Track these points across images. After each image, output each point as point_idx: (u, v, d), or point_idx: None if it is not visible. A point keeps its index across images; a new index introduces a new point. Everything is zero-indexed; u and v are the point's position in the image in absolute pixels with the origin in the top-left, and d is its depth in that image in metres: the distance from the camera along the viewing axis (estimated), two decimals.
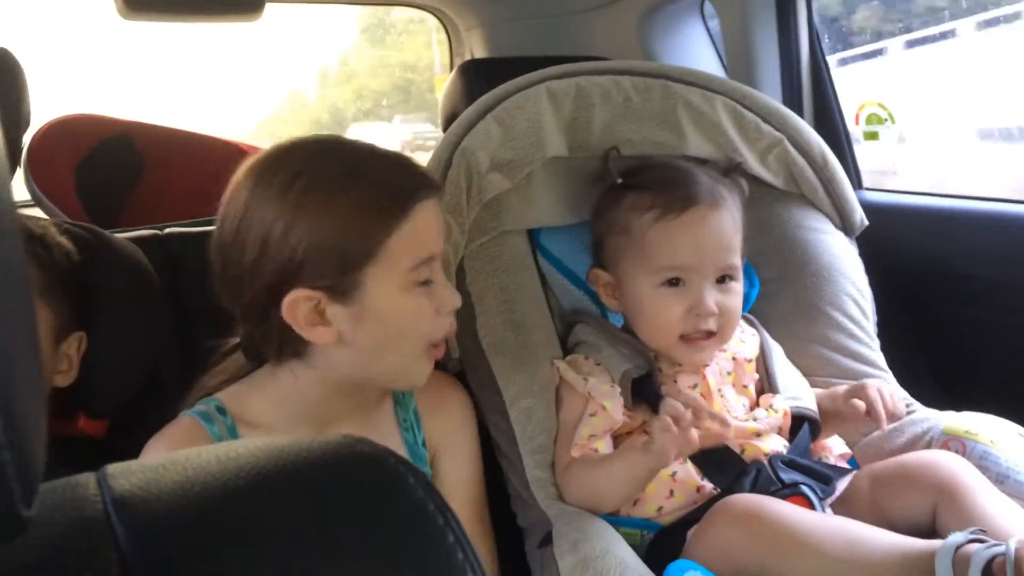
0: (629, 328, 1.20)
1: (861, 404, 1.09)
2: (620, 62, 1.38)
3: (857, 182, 1.75)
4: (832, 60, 1.81)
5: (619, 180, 1.19)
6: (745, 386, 1.19)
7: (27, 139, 1.79)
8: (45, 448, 0.34)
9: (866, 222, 1.39)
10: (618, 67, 1.34)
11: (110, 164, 1.97)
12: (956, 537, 0.85)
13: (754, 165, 1.33)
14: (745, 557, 0.93)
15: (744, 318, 1.23)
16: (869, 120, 1.74)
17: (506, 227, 1.25)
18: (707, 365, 1.16)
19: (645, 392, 1.11)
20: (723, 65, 1.95)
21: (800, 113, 1.71)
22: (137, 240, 1.28)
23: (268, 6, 1.83)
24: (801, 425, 1.14)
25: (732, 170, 1.22)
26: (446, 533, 0.37)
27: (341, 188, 0.93)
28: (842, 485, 1.10)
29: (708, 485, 1.07)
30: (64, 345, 1.08)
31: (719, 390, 1.15)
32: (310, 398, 1.01)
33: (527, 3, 2.19)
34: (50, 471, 0.36)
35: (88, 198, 1.89)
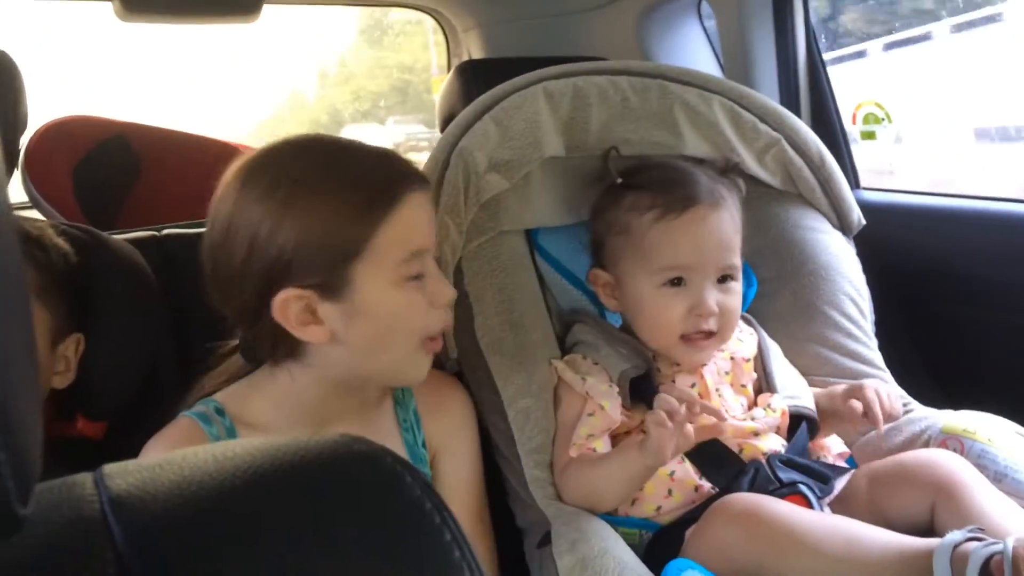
0: (627, 328, 1.20)
1: (858, 405, 1.09)
2: (617, 62, 1.38)
3: (854, 181, 1.75)
4: None
5: (619, 180, 1.19)
6: (743, 385, 1.19)
7: (24, 141, 1.79)
8: (42, 448, 0.34)
9: (863, 221, 1.39)
10: (615, 67, 1.34)
11: (107, 165, 1.97)
12: (954, 535, 0.85)
13: (751, 165, 1.33)
14: (743, 556, 0.93)
15: (742, 317, 1.23)
16: (866, 120, 1.75)
17: (504, 227, 1.25)
18: (705, 365, 1.16)
19: (643, 392, 1.11)
20: (720, 65, 1.95)
21: (797, 113, 1.71)
22: (134, 241, 1.28)
23: (265, 7, 1.84)
24: (799, 424, 1.15)
25: (729, 170, 1.22)
26: (443, 531, 0.37)
27: (325, 186, 0.93)
28: (840, 484, 1.11)
29: (706, 484, 1.07)
30: (62, 347, 1.08)
31: (717, 389, 1.15)
32: (308, 398, 1.01)
33: (524, 4, 2.19)
34: (48, 472, 0.36)
35: (85, 200, 1.89)
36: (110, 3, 1.75)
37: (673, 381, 1.14)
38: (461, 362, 1.21)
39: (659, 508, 1.07)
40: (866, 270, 1.36)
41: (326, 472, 0.38)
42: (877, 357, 1.30)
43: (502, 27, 2.27)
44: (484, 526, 1.12)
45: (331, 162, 0.96)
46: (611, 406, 1.09)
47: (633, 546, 1.02)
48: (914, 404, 1.24)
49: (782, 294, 1.33)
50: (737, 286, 1.15)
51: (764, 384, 1.19)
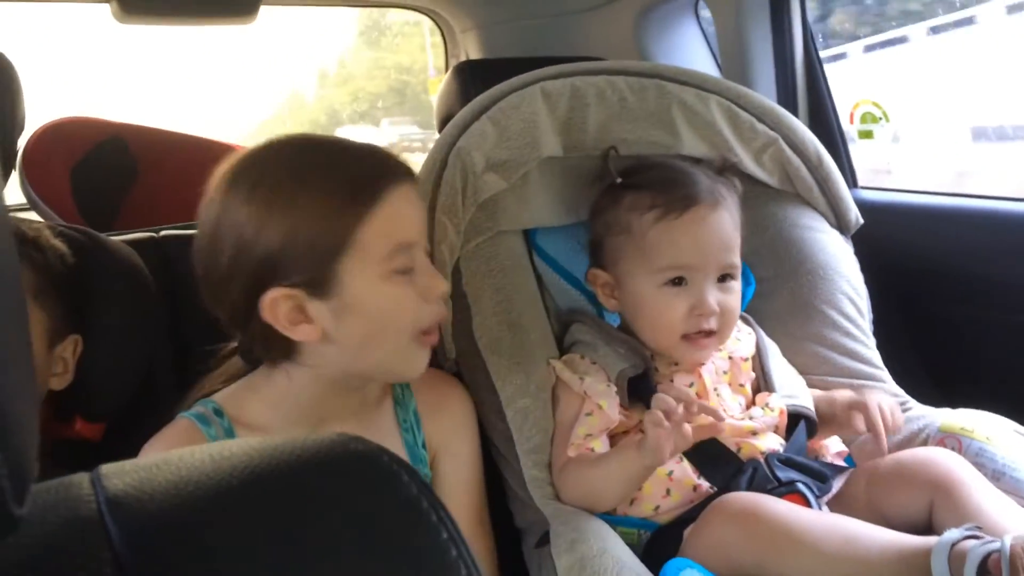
0: (625, 328, 1.20)
1: (861, 424, 1.09)
2: (615, 62, 1.38)
3: (852, 181, 1.75)
4: None
5: (619, 180, 1.19)
6: (741, 385, 1.19)
7: (22, 142, 1.79)
8: (38, 449, 0.34)
9: (861, 220, 1.39)
10: (613, 67, 1.34)
11: (105, 167, 1.97)
12: (952, 534, 0.85)
13: (749, 164, 1.33)
14: (742, 555, 0.93)
15: (740, 317, 1.23)
16: (864, 119, 1.75)
17: (502, 227, 1.25)
18: (703, 364, 1.16)
19: (641, 391, 1.11)
20: (718, 65, 1.95)
21: (795, 112, 1.71)
22: (132, 242, 1.28)
23: (263, 9, 1.84)
24: (797, 423, 1.15)
25: (726, 169, 1.22)
26: (440, 530, 0.37)
27: (306, 183, 0.93)
28: (838, 483, 1.11)
29: (704, 484, 1.07)
30: (59, 348, 1.08)
31: (715, 389, 1.15)
32: (305, 398, 1.01)
33: (522, 4, 2.19)
34: (46, 474, 0.36)
35: (83, 201, 1.89)
36: (108, 5, 1.75)
37: (671, 380, 1.14)
38: (459, 362, 1.21)
39: (657, 507, 1.07)
40: (864, 269, 1.36)
41: (323, 471, 0.38)
42: (875, 356, 1.30)
43: (500, 28, 2.27)
44: (484, 527, 1.12)
45: (313, 160, 0.96)
46: (609, 405, 1.09)
47: (632, 546, 1.02)
48: (912, 403, 1.24)
49: (780, 293, 1.33)
50: (737, 285, 1.15)
51: (762, 383, 1.19)
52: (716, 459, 1.08)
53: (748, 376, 1.20)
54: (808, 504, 1.02)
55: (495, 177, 1.23)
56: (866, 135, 1.76)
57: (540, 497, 1.09)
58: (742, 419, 1.12)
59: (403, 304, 0.96)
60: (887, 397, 1.14)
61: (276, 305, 0.92)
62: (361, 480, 0.38)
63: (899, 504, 1.03)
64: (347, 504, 0.37)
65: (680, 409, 0.96)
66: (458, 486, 1.10)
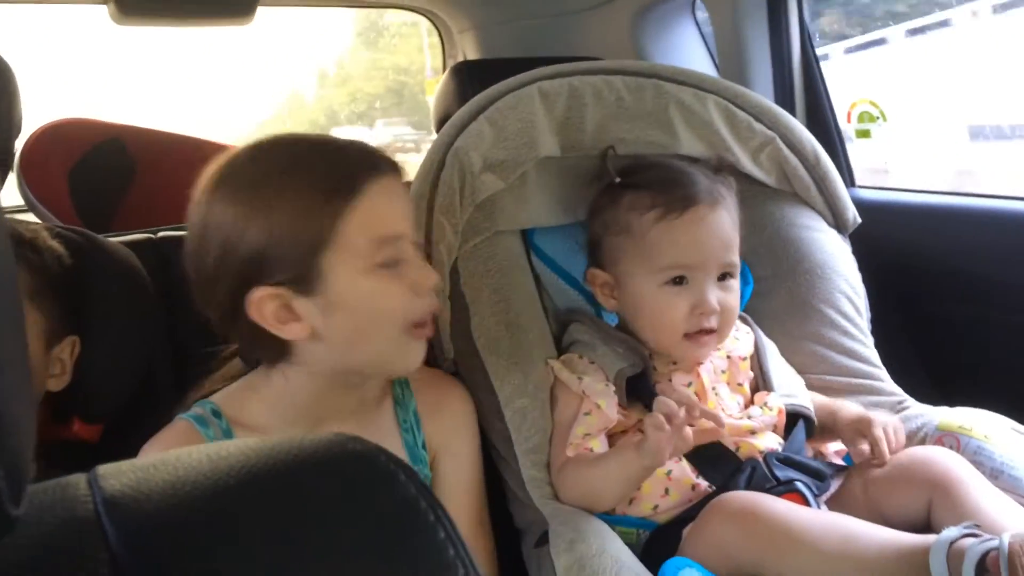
0: (623, 327, 1.20)
1: (865, 446, 1.08)
2: (612, 62, 1.38)
3: (849, 180, 1.75)
4: None
5: (617, 180, 1.19)
6: (740, 384, 1.19)
7: (20, 144, 1.79)
8: (35, 450, 0.34)
9: (859, 219, 1.39)
10: (610, 67, 1.34)
11: (103, 168, 1.97)
12: (950, 532, 0.85)
13: (746, 164, 1.33)
14: (741, 554, 0.93)
15: (739, 316, 1.23)
16: (861, 118, 1.75)
17: (500, 227, 1.25)
18: (702, 363, 1.16)
19: (640, 390, 1.11)
20: (715, 64, 1.95)
21: (792, 111, 1.71)
22: (130, 244, 1.27)
23: (260, 10, 1.84)
24: (796, 423, 1.15)
25: (722, 168, 1.22)
26: (437, 530, 0.37)
27: (286, 181, 0.93)
28: (837, 482, 1.11)
29: (703, 483, 1.07)
30: (56, 349, 1.08)
31: (713, 388, 1.15)
32: (303, 398, 1.01)
33: (519, 4, 2.19)
34: (44, 475, 0.36)
35: (81, 203, 1.89)
36: (105, 6, 1.75)
37: (669, 380, 1.14)
38: (458, 363, 1.21)
39: (656, 507, 1.07)
40: (862, 268, 1.37)
41: (320, 471, 0.38)
42: (873, 355, 1.30)
43: (497, 28, 2.27)
44: (484, 527, 1.12)
45: (291, 158, 0.97)
46: (608, 405, 1.09)
47: (630, 545, 1.02)
48: (910, 401, 1.24)
49: (778, 293, 1.33)
50: (736, 283, 1.16)
51: (761, 383, 1.19)
52: (715, 458, 1.08)
53: (746, 375, 1.20)
54: (807, 503, 1.02)
55: (493, 177, 1.23)
56: (863, 134, 1.76)
57: (539, 497, 1.09)
58: (740, 418, 1.12)
59: (391, 297, 0.96)
60: (891, 417, 1.13)
61: (263, 304, 0.93)
62: (359, 480, 0.38)
63: (897, 503, 1.03)
64: (345, 504, 0.37)
65: (682, 412, 0.96)
66: (458, 486, 1.10)
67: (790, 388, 1.18)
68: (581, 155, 1.29)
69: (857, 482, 1.09)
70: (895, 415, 1.18)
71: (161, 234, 1.39)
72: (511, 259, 1.25)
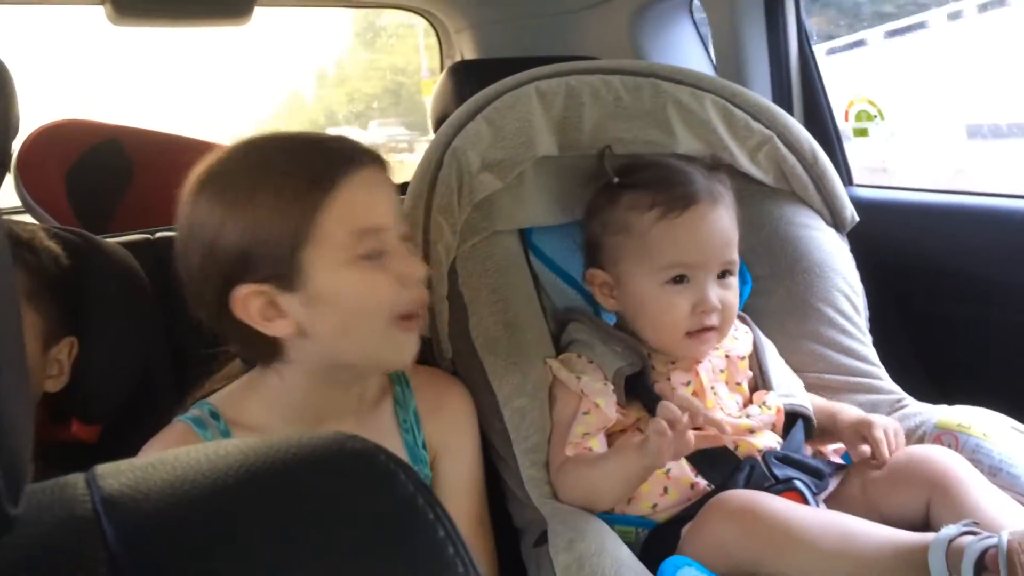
0: (622, 326, 1.20)
1: (866, 449, 1.08)
2: (609, 61, 1.38)
3: (847, 178, 1.76)
4: None
5: (616, 179, 1.19)
6: (738, 383, 1.19)
7: (17, 145, 1.79)
8: (33, 451, 0.34)
9: (857, 218, 1.39)
10: (608, 66, 1.34)
11: (100, 169, 1.96)
12: (949, 530, 0.86)
13: (744, 163, 1.33)
14: (740, 553, 0.93)
15: (737, 316, 1.23)
16: (858, 117, 1.75)
17: (498, 227, 1.25)
18: (700, 362, 1.16)
19: (638, 389, 1.11)
20: (712, 63, 1.95)
21: (790, 110, 1.71)
22: (128, 244, 1.27)
23: (258, 10, 1.84)
24: (795, 422, 1.15)
25: (716, 166, 1.22)
26: (436, 528, 0.37)
27: (263, 179, 0.94)
28: (836, 481, 1.11)
29: (702, 482, 1.07)
30: (54, 350, 1.08)
31: (712, 387, 1.15)
32: (299, 397, 1.01)
33: (517, 4, 2.19)
34: (42, 476, 0.36)
35: (79, 204, 1.89)
36: (102, 7, 1.75)
37: (668, 379, 1.14)
38: (456, 363, 1.21)
39: (655, 506, 1.07)
40: (860, 266, 1.37)
41: (319, 470, 0.38)
42: (871, 353, 1.30)
43: (494, 28, 2.27)
44: (484, 527, 1.11)
45: (269, 155, 0.97)
46: (606, 404, 1.09)
47: (629, 544, 1.02)
48: (908, 400, 1.24)
49: (776, 292, 1.33)
50: (735, 281, 1.16)
51: (760, 382, 1.19)
52: (714, 457, 1.08)
53: (745, 375, 1.20)
54: (805, 501, 1.02)
55: (491, 177, 1.23)
56: (861, 133, 1.76)
57: (538, 496, 1.09)
58: (739, 417, 1.12)
59: (374, 290, 0.95)
60: (891, 420, 1.13)
61: (247, 302, 0.93)
62: (358, 479, 0.38)
63: (896, 501, 1.03)
64: (344, 503, 0.37)
65: (685, 418, 0.96)
66: (458, 486, 1.10)
67: (789, 387, 1.18)
68: (579, 155, 1.29)
69: (856, 481, 1.09)
70: (894, 417, 1.18)
71: (159, 235, 1.39)
72: (509, 259, 1.25)
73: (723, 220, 1.14)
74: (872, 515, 0.97)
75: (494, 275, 1.22)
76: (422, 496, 0.37)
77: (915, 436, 1.16)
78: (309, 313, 0.94)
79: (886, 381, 1.28)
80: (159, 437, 0.99)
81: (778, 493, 1.01)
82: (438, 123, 1.91)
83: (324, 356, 0.98)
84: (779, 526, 0.92)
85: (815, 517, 0.95)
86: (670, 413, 0.96)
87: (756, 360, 1.21)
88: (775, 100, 1.70)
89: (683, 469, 1.08)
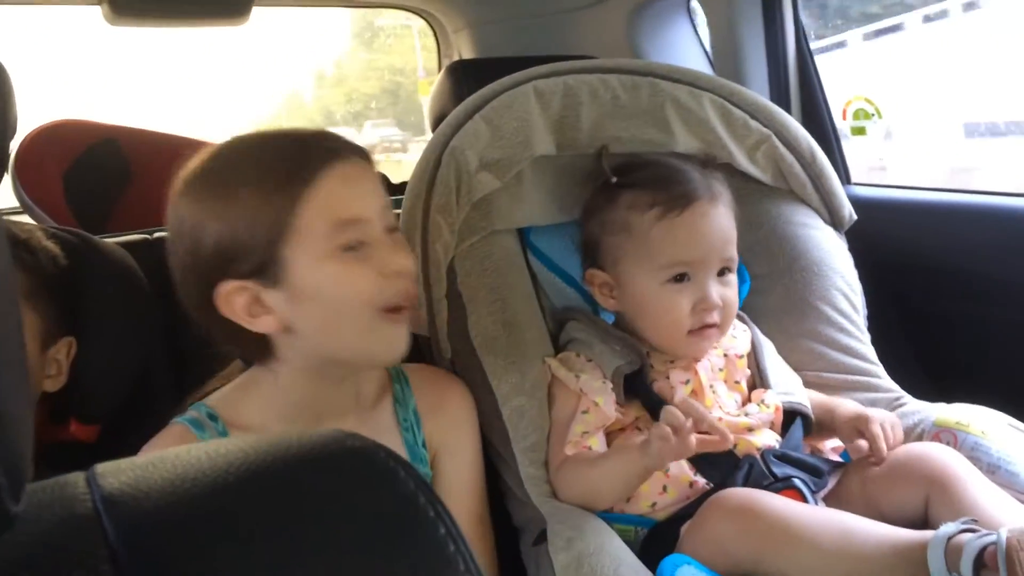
0: (620, 325, 1.20)
1: (863, 445, 1.08)
2: (607, 60, 1.38)
3: (845, 177, 1.76)
4: None
5: (614, 179, 1.19)
6: (737, 382, 1.19)
7: (14, 146, 1.78)
8: (33, 448, 0.34)
9: (855, 216, 1.39)
10: (605, 65, 1.34)
11: (98, 169, 1.96)
12: (948, 528, 0.86)
13: (742, 161, 1.33)
14: (739, 551, 0.93)
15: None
16: (856, 115, 1.75)
17: (496, 226, 1.25)
18: (699, 360, 1.16)
19: (637, 388, 1.11)
20: (710, 62, 1.96)
21: (788, 109, 1.71)
22: (126, 244, 1.27)
23: (256, 10, 1.83)
24: (793, 420, 1.15)
25: (710, 163, 1.22)
26: (437, 526, 0.37)
27: (242, 175, 0.94)
28: (834, 479, 1.11)
29: (701, 480, 1.07)
30: (53, 350, 1.08)
31: (711, 386, 1.15)
32: (295, 396, 1.01)
33: (514, 3, 2.19)
34: (41, 476, 0.36)
35: (77, 204, 1.88)
36: (99, 7, 1.75)
37: (667, 377, 1.14)
38: (455, 362, 1.21)
39: (654, 504, 1.07)
40: (858, 265, 1.37)
41: (319, 468, 0.38)
42: (870, 351, 1.30)
43: (492, 27, 2.27)
44: (485, 527, 1.11)
45: (248, 152, 0.98)
46: (605, 403, 1.09)
47: (628, 543, 1.02)
48: (907, 398, 1.24)
49: (774, 290, 1.33)
50: (734, 278, 1.16)
51: (758, 380, 1.19)
52: (713, 456, 1.07)
53: (743, 373, 1.20)
54: (804, 500, 1.02)
55: (489, 176, 1.23)
56: (859, 131, 1.77)
57: (537, 495, 1.09)
58: (738, 416, 1.12)
59: (356, 281, 0.95)
60: (888, 414, 1.13)
61: (231, 298, 0.93)
62: (358, 476, 0.38)
63: (895, 499, 1.03)
64: (344, 500, 0.37)
65: (689, 423, 0.96)
66: (459, 485, 1.10)
67: (787, 385, 1.19)
68: (577, 154, 1.29)
69: (855, 479, 1.09)
70: (892, 412, 1.18)
71: (157, 235, 1.39)
72: (508, 258, 1.25)
73: (722, 217, 1.15)
74: (871, 513, 0.97)
75: (492, 274, 1.22)
76: (422, 494, 0.37)
77: (913, 434, 1.16)
78: (293, 308, 0.94)
79: (884, 379, 1.28)
80: (156, 440, 0.99)
81: (777, 491, 1.01)
82: (436, 122, 1.91)
83: (313, 352, 0.98)
84: (778, 524, 0.92)
85: (814, 515, 0.95)
86: (674, 418, 0.96)
87: (754, 358, 1.21)
88: (773, 99, 1.70)
89: (682, 468, 1.08)
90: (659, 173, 1.17)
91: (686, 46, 2.01)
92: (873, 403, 1.22)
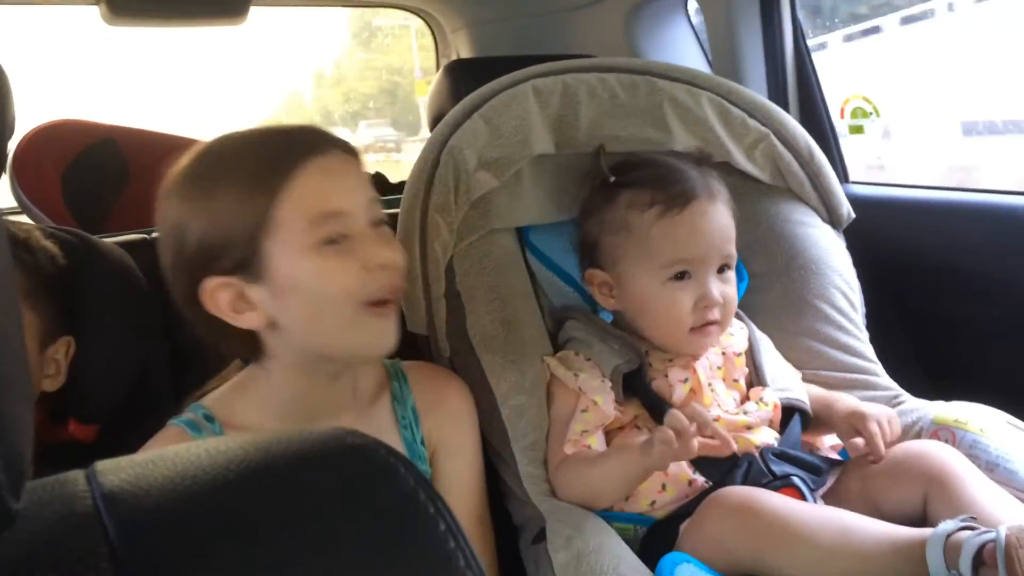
0: (619, 324, 1.20)
1: (861, 443, 1.08)
2: (605, 59, 1.38)
3: (843, 175, 1.76)
4: None
5: (612, 178, 1.19)
6: (735, 380, 1.19)
7: (12, 145, 1.78)
8: (32, 446, 0.34)
9: (853, 215, 1.40)
10: (603, 64, 1.34)
11: (96, 169, 1.96)
12: (947, 525, 0.86)
13: (741, 160, 1.33)
14: (738, 549, 0.93)
15: None
16: (854, 114, 1.75)
17: (495, 225, 1.25)
18: (698, 358, 1.16)
19: (636, 387, 1.11)
20: (708, 61, 1.96)
21: (785, 108, 1.72)
22: (124, 244, 1.27)
23: (254, 10, 1.83)
24: (792, 416, 1.15)
25: (703, 161, 1.22)
26: (438, 522, 0.37)
27: (222, 172, 0.95)
28: (833, 476, 1.11)
29: (700, 479, 1.07)
30: (51, 349, 1.08)
31: (709, 384, 1.15)
32: (288, 393, 1.01)
33: (512, 2, 2.19)
34: (41, 476, 0.36)
35: (75, 204, 1.88)
36: (96, 7, 1.75)
37: (665, 375, 1.14)
38: (454, 361, 1.21)
39: (653, 503, 1.07)
40: (856, 263, 1.37)
41: (319, 465, 0.38)
42: (868, 350, 1.30)
43: (490, 26, 2.27)
44: (484, 526, 1.11)
45: (229, 150, 0.98)
46: (604, 401, 1.09)
47: (628, 541, 1.02)
48: (905, 396, 1.25)
49: (773, 288, 1.33)
50: (732, 275, 1.17)
51: (755, 378, 1.20)
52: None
53: (742, 371, 1.20)
54: (803, 497, 1.02)
55: (487, 175, 1.23)
56: (856, 130, 1.77)
57: (536, 494, 1.09)
58: (736, 414, 1.12)
59: (337, 275, 0.94)
60: (886, 409, 1.13)
61: (216, 295, 0.94)
62: (358, 473, 0.38)
63: (894, 497, 1.03)
64: (344, 497, 0.37)
65: (693, 428, 0.96)
66: (459, 483, 1.10)
67: (784, 381, 1.19)
68: (575, 153, 1.29)
69: (853, 476, 1.09)
70: (891, 409, 1.18)
71: (155, 235, 1.39)
72: (506, 257, 1.25)
73: (721, 215, 1.15)
74: (869, 510, 0.97)
75: (491, 273, 1.22)
76: (423, 490, 0.37)
77: (912, 432, 1.17)
78: (277, 303, 0.94)
79: (883, 377, 1.28)
80: (152, 442, 0.99)
81: (776, 489, 1.01)
82: (434, 122, 1.91)
83: (300, 347, 0.98)
84: (777, 522, 0.92)
85: (813, 513, 0.95)
86: (679, 423, 0.96)
87: (750, 356, 1.21)
88: (771, 97, 1.70)
89: (681, 466, 1.08)
90: (657, 172, 1.17)
91: (684, 45, 2.01)
92: (871, 401, 1.22)
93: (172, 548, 0.34)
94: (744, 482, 1.04)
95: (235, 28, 1.95)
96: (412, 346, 1.21)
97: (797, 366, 1.25)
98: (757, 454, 1.07)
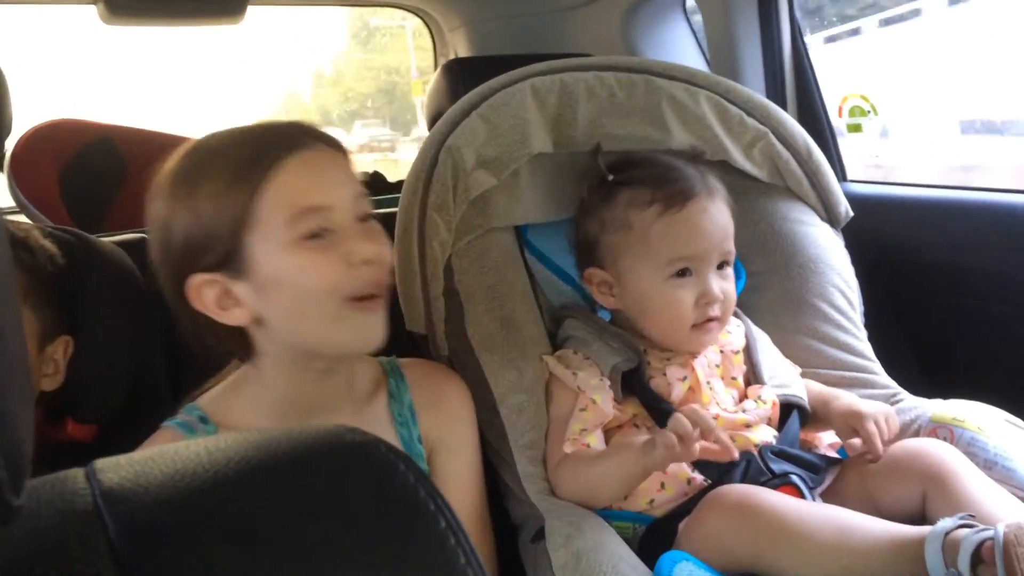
0: (617, 322, 1.20)
1: (858, 442, 1.09)
2: (603, 58, 1.38)
3: (841, 174, 1.76)
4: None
5: (611, 177, 1.19)
6: (734, 378, 1.19)
7: (10, 145, 1.78)
8: (32, 446, 0.34)
9: (851, 213, 1.40)
10: (601, 63, 1.34)
11: (93, 168, 1.96)
12: (945, 523, 0.86)
13: (739, 158, 1.33)
14: (737, 547, 0.93)
15: None
16: (852, 112, 1.75)
17: (493, 224, 1.25)
18: (696, 356, 1.16)
19: (634, 385, 1.11)
20: (706, 60, 1.96)
21: (783, 106, 1.72)
22: (122, 244, 1.27)
23: (252, 10, 1.83)
24: (790, 413, 1.15)
25: (699, 159, 1.22)
26: (438, 519, 0.37)
27: (204, 169, 0.95)
28: (832, 475, 1.11)
29: (699, 477, 1.07)
30: (49, 349, 1.08)
31: (708, 382, 1.15)
32: (280, 392, 1.01)
33: (510, 2, 2.19)
34: (39, 476, 0.36)
35: (72, 203, 1.88)
36: (94, 7, 1.75)
37: (664, 374, 1.15)
38: (452, 360, 1.21)
39: (652, 501, 1.07)
40: (854, 261, 1.37)
41: (318, 462, 0.38)
42: (866, 348, 1.30)
43: (488, 25, 2.27)
44: (484, 524, 1.11)
45: (213, 147, 0.98)
46: (603, 400, 1.09)
47: (627, 539, 1.02)
48: (903, 394, 1.25)
49: (771, 287, 1.33)
50: (731, 272, 1.17)
51: (752, 375, 1.20)
52: None
53: (740, 369, 1.20)
54: (802, 495, 1.02)
55: (485, 174, 1.23)
56: (854, 129, 1.77)
57: (535, 492, 1.09)
58: (735, 412, 1.13)
59: (319, 270, 0.93)
60: (884, 407, 1.13)
61: (202, 291, 0.94)
62: (358, 470, 0.38)
63: (892, 495, 1.03)
64: (344, 494, 0.37)
65: (696, 433, 0.96)
66: (458, 481, 1.09)
67: (782, 378, 1.19)
68: (574, 151, 1.29)
69: (852, 475, 1.09)
70: (889, 406, 1.18)
71: None
72: (505, 256, 1.25)
73: (721, 212, 1.16)
74: (868, 508, 0.97)
75: (490, 272, 1.22)
76: (423, 487, 0.37)
77: (910, 430, 1.17)
78: (261, 300, 0.94)
79: (881, 376, 1.28)
80: (146, 444, 0.98)
81: (774, 487, 1.01)
82: (432, 120, 1.91)
83: (287, 344, 0.98)
84: (776, 520, 0.92)
85: (811, 511, 0.95)
86: (682, 427, 0.96)
87: (747, 353, 1.22)
88: (769, 96, 1.71)
89: (680, 465, 1.07)
90: (656, 170, 1.17)
91: (682, 43, 2.01)
92: (870, 399, 1.22)
93: (172, 545, 0.34)
94: (743, 480, 1.04)
95: (233, 27, 1.95)
96: (410, 345, 1.21)
97: (795, 364, 1.25)
98: (756, 452, 1.07)
